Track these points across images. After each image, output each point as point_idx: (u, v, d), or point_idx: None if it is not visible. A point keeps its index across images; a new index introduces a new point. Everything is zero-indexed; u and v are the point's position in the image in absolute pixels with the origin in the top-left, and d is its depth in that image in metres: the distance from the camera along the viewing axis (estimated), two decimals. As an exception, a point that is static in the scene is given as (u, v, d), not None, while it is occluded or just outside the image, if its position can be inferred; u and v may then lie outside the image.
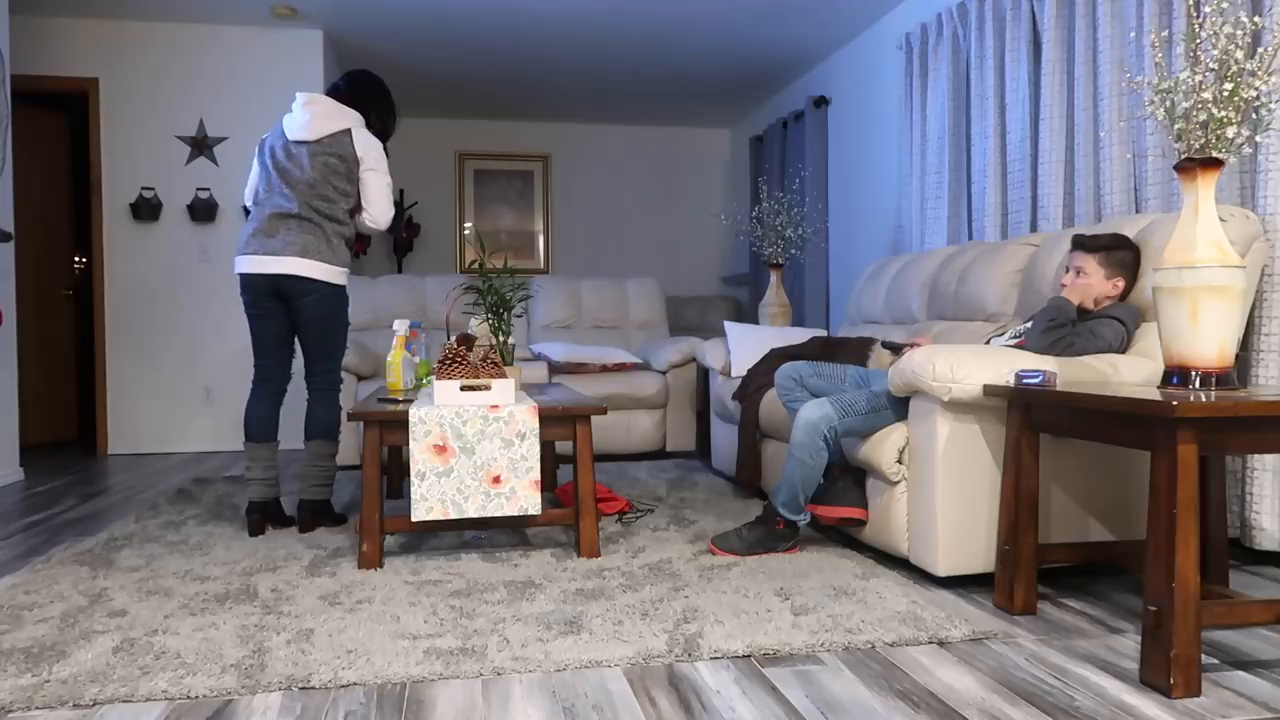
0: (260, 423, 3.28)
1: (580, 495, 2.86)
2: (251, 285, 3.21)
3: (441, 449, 2.72)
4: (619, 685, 1.87)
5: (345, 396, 4.77)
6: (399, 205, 7.61)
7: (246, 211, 3.46)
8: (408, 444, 2.74)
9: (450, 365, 2.84)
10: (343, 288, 3.29)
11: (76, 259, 6.54)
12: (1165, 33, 3.18)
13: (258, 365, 3.32)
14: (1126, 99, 3.44)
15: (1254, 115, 2.01)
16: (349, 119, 3.24)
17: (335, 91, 3.34)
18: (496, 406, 2.76)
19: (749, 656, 2.01)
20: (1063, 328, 2.64)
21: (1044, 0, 3.87)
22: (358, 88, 3.35)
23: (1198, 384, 1.99)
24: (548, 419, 2.85)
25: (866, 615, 2.24)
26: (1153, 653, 1.83)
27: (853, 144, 5.95)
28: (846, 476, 2.91)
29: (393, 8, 5.26)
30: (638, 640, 2.08)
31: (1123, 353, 2.63)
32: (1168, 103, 2.03)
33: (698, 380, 5.30)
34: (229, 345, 5.65)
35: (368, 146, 3.25)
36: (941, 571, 2.49)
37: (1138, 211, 3.38)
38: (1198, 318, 1.97)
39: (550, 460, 3.94)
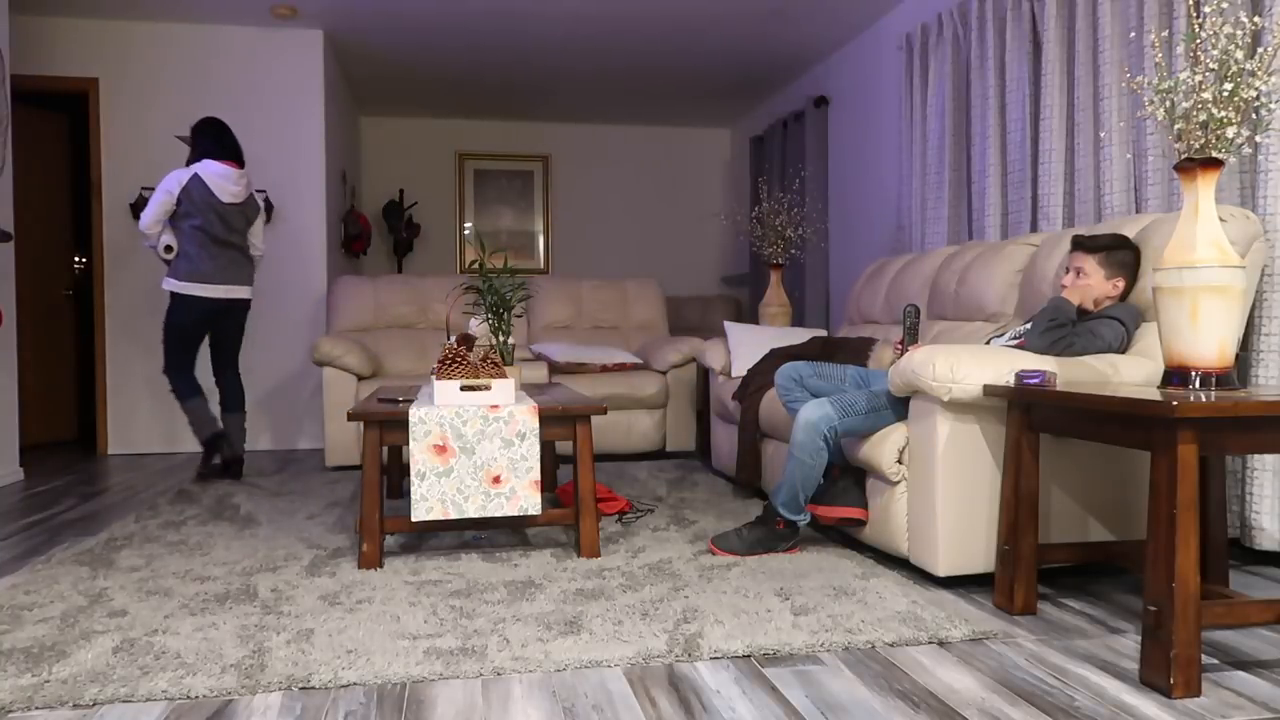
0: (197, 389, 4.40)
1: (580, 495, 2.86)
2: (209, 307, 4.31)
3: (441, 449, 2.72)
4: (619, 685, 1.87)
5: (347, 397, 4.80)
6: (400, 205, 7.62)
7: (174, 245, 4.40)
8: (408, 444, 2.74)
9: (450, 365, 2.84)
10: None
11: (76, 259, 6.54)
12: (1165, 33, 3.18)
13: (188, 361, 4.36)
14: (1127, 99, 3.43)
15: (1254, 115, 2.01)
16: (250, 184, 4.43)
17: (240, 158, 4.36)
18: (496, 406, 2.76)
19: (749, 656, 2.01)
20: (1063, 328, 2.64)
21: (1044, 0, 3.87)
22: (241, 153, 4.40)
23: (1198, 384, 1.99)
24: (548, 419, 2.85)
25: (866, 615, 2.24)
26: (1153, 653, 1.83)
27: (853, 144, 5.95)
28: (846, 476, 2.91)
29: (393, 8, 5.26)
30: (638, 640, 2.08)
31: (1123, 353, 2.63)
32: (1168, 103, 2.03)
33: (698, 380, 5.30)
34: (229, 345, 5.65)
35: (260, 201, 4.52)
36: (941, 571, 2.49)
37: (1138, 211, 3.38)
38: (1198, 318, 1.97)
39: (550, 460, 3.94)
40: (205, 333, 4.37)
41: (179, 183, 4.19)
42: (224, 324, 4.41)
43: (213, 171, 4.21)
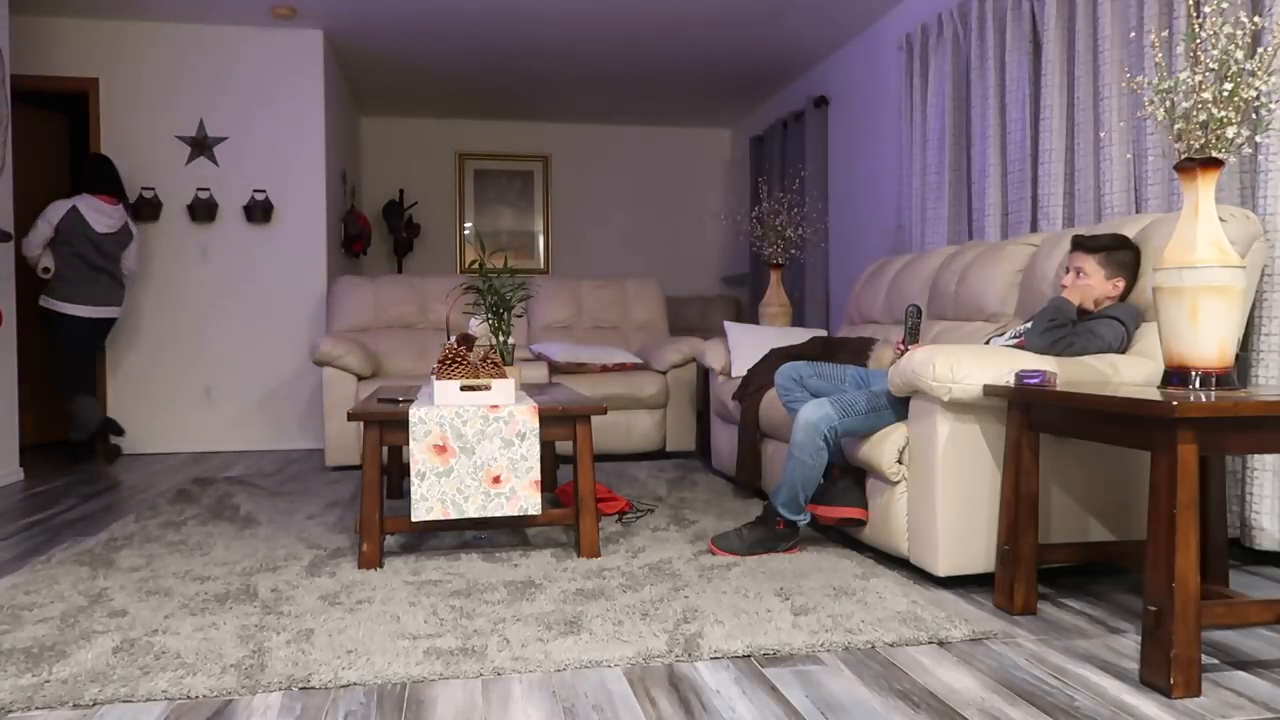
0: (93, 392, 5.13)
1: (580, 495, 2.86)
2: (94, 325, 4.98)
3: (441, 449, 2.72)
4: (619, 685, 1.87)
5: (347, 397, 4.81)
6: (400, 205, 7.62)
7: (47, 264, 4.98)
8: (408, 444, 2.74)
9: (450, 365, 2.84)
10: None
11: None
12: (1165, 33, 3.18)
13: (88, 376, 5.04)
14: (1127, 99, 3.43)
15: (1254, 115, 2.01)
16: (125, 214, 5.08)
17: (116, 191, 5.02)
18: (496, 406, 2.76)
19: (749, 656, 2.01)
20: (1063, 328, 2.64)
21: (1044, 0, 3.87)
22: (121, 187, 5.09)
23: (1198, 384, 1.99)
24: (548, 419, 2.85)
25: (866, 615, 2.24)
26: (1153, 653, 1.83)
27: (853, 144, 5.95)
28: (846, 476, 2.91)
29: (393, 8, 5.26)
30: (638, 640, 2.08)
31: (1123, 353, 2.63)
32: (1168, 103, 2.03)
33: (698, 380, 5.30)
34: (229, 345, 5.65)
35: (133, 229, 5.13)
36: (941, 571, 2.49)
37: (1138, 211, 3.38)
38: (1198, 318, 1.97)
39: (550, 460, 3.94)
40: (90, 344, 5.03)
41: (59, 214, 4.83)
42: (99, 338, 5.10)
43: (88, 205, 4.88)
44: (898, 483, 2.67)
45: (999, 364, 2.42)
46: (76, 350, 4.98)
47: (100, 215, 4.91)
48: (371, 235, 7.17)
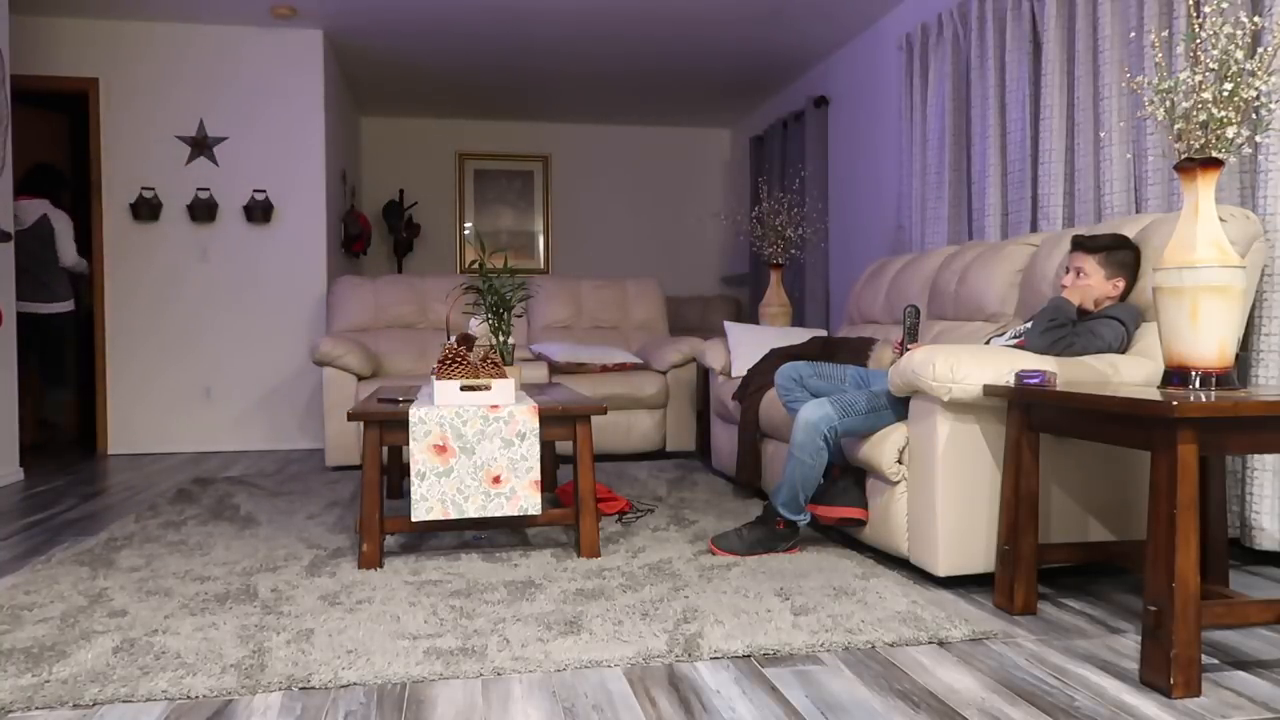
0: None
1: (580, 495, 2.86)
2: (31, 323, 5.15)
3: (441, 449, 2.72)
4: (619, 685, 1.87)
5: (347, 397, 4.81)
6: (400, 205, 7.62)
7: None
8: (408, 444, 2.74)
9: (450, 365, 2.84)
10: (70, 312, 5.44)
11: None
12: (1165, 33, 3.18)
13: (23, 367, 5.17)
14: (1127, 99, 3.43)
15: (1254, 115, 2.01)
16: (43, 208, 5.21)
17: (38, 189, 5.23)
18: (496, 406, 2.76)
19: (749, 656, 2.01)
20: (1063, 328, 2.64)
21: (1044, 0, 3.87)
22: (43, 180, 5.32)
23: (1198, 384, 1.99)
24: (548, 419, 2.85)
25: (866, 615, 2.24)
26: (1153, 653, 1.83)
27: (853, 144, 5.95)
28: (846, 476, 2.91)
29: (393, 8, 5.26)
30: (638, 640, 2.08)
31: (1123, 353, 2.63)
32: (1168, 103, 2.03)
33: (698, 380, 5.30)
34: (229, 345, 5.65)
35: (53, 223, 5.25)
36: (941, 571, 2.49)
37: (1138, 211, 3.38)
38: (1198, 318, 1.97)
39: (550, 460, 3.94)
40: (29, 345, 5.21)
41: None
42: (42, 336, 5.25)
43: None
44: (898, 483, 2.67)
45: (999, 364, 2.42)
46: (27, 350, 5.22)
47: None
48: (371, 235, 7.18)
